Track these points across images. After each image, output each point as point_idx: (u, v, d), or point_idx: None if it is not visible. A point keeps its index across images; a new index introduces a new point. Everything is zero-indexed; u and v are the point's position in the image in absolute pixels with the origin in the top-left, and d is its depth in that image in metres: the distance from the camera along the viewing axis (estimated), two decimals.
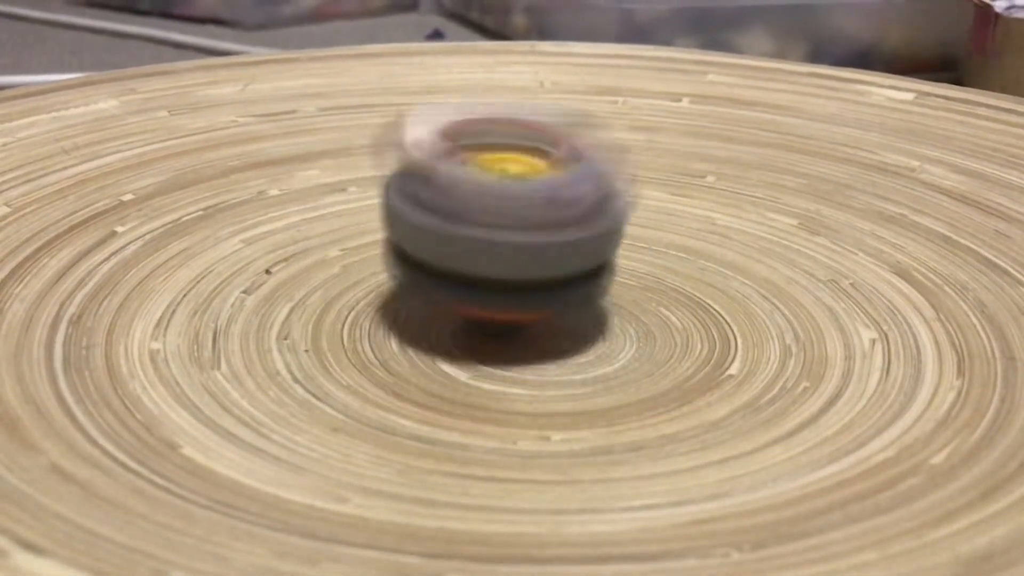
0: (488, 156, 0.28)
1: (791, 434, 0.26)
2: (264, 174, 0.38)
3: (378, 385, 0.28)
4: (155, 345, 0.28)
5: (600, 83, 0.45)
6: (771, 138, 0.41)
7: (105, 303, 0.30)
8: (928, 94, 0.43)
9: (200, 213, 0.35)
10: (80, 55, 0.65)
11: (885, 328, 0.30)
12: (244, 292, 0.31)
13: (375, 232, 0.35)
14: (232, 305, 0.31)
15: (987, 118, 0.41)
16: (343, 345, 0.29)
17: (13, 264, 0.31)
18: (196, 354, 0.28)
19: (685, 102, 0.44)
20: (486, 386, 0.28)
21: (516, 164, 0.28)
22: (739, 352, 0.29)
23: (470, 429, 0.26)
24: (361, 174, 0.39)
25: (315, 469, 0.24)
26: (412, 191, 0.27)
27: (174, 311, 0.30)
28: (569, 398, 0.27)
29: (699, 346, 0.30)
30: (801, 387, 0.28)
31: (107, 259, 0.32)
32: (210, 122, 0.40)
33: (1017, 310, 0.30)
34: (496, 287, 0.27)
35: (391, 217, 0.28)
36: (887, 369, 0.28)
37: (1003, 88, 0.50)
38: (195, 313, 0.30)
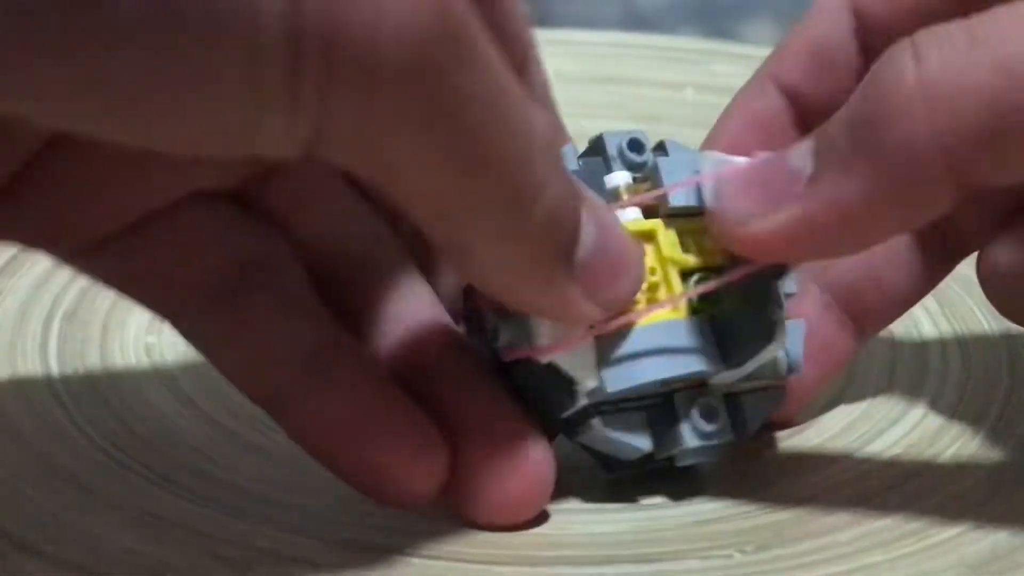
0: None
1: (794, 433, 0.25)
2: None
3: None
4: (150, 340, 0.28)
5: (602, 72, 0.44)
6: None
7: (100, 297, 0.30)
8: None
9: None
10: None
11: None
12: None
13: None
14: None
15: None
16: None
17: (7, 258, 0.31)
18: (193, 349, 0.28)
19: (688, 92, 0.43)
20: None
21: None
22: None
23: None
24: None
25: (316, 467, 0.24)
26: None
27: None
28: None
29: None
30: None
31: None
32: None
33: None
34: None
35: None
36: (892, 366, 0.28)
37: None
38: None
